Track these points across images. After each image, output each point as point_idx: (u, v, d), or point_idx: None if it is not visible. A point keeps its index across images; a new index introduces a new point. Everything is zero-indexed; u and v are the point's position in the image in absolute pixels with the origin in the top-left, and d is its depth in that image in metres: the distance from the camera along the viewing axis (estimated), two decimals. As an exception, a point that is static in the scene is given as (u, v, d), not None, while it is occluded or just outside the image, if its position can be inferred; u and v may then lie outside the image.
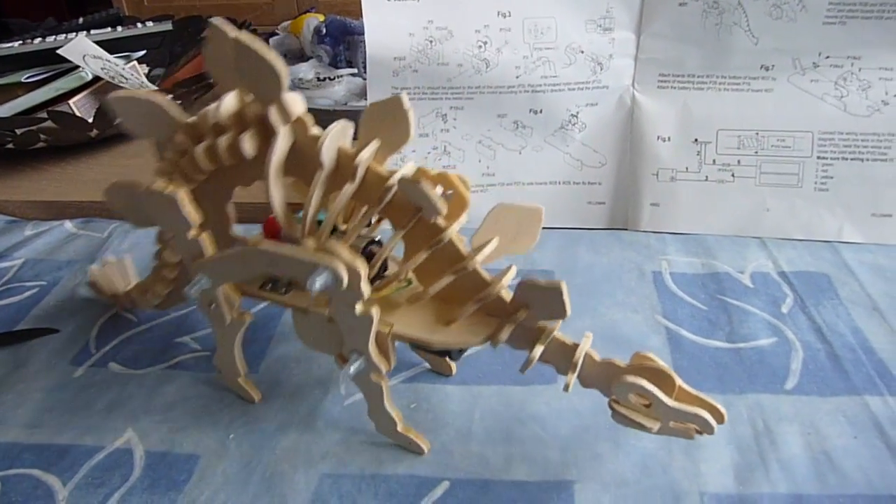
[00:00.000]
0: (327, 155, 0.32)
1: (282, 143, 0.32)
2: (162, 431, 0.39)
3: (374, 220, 0.36)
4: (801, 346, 0.44)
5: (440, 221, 0.32)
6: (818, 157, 0.55)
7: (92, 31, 0.88)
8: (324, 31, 0.83)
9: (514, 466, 0.36)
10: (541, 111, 0.56)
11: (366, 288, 0.31)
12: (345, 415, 0.40)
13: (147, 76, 0.86)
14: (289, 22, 0.93)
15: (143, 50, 0.89)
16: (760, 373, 0.42)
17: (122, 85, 0.76)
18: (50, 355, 0.45)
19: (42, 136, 0.70)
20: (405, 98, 0.32)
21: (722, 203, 0.56)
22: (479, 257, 0.33)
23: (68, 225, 0.62)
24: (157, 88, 0.77)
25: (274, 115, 0.31)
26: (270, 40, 0.90)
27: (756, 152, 0.56)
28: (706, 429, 0.32)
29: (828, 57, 0.55)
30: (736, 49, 0.55)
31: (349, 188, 0.32)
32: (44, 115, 0.69)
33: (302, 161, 0.33)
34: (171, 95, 0.75)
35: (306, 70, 0.84)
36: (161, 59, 0.92)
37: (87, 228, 0.61)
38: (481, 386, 0.41)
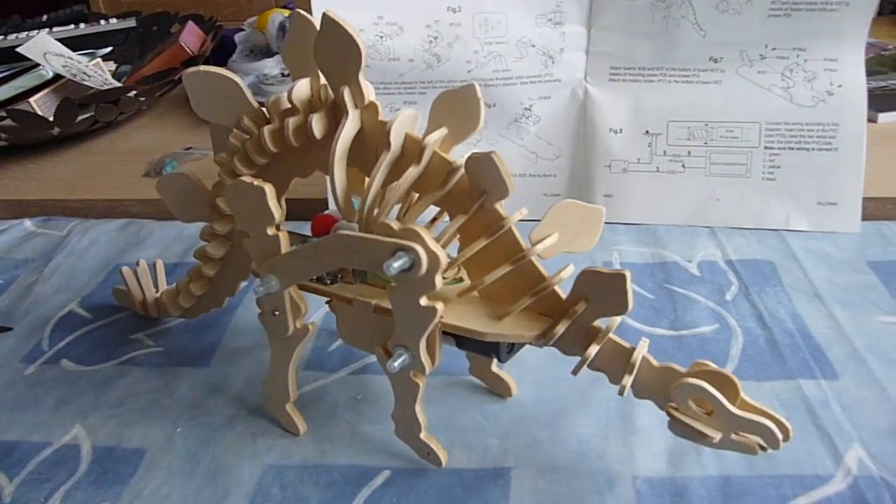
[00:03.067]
0: (395, 137, 0.31)
1: (351, 124, 0.32)
2: (110, 427, 0.40)
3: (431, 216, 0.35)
4: (741, 332, 0.45)
5: (500, 210, 0.31)
6: (766, 148, 0.56)
7: (55, 29, 0.88)
8: (288, 26, 0.84)
9: (452, 454, 0.37)
10: (494, 105, 0.57)
11: (439, 279, 0.30)
12: (292, 407, 0.40)
13: (114, 73, 0.87)
14: (255, 18, 0.93)
15: (107, 47, 0.89)
16: (700, 359, 0.43)
17: (84, 83, 0.76)
18: (1, 354, 0.46)
19: (2, 135, 0.70)
20: (477, 87, 0.31)
21: (673, 193, 0.57)
22: (540, 247, 0.31)
23: (27, 223, 0.62)
24: (120, 86, 0.78)
25: (347, 95, 0.31)
26: (236, 36, 0.90)
27: (706, 143, 0.57)
28: (772, 442, 0.30)
29: (774, 49, 0.56)
30: (684, 42, 0.56)
31: (413, 171, 0.32)
32: (3, 113, 0.69)
33: (366, 149, 0.33)
34: (134, 92, 0.75)
35: (271, 66, 0.85)
36: (128, 57, 0.92)
37: (46, 227, 0.61)
38: (428, 377, 0.42)
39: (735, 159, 0.57)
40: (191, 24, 0.89)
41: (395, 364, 0.32)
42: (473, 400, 0.40)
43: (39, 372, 0.44)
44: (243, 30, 0.93)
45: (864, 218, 0.57)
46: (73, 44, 0.83)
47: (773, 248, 0.54)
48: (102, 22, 0.93)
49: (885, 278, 0.50)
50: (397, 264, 0.29)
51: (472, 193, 0.31)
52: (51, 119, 0.70)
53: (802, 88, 0.56)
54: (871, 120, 0.73)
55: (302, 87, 0.33)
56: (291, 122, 0.33)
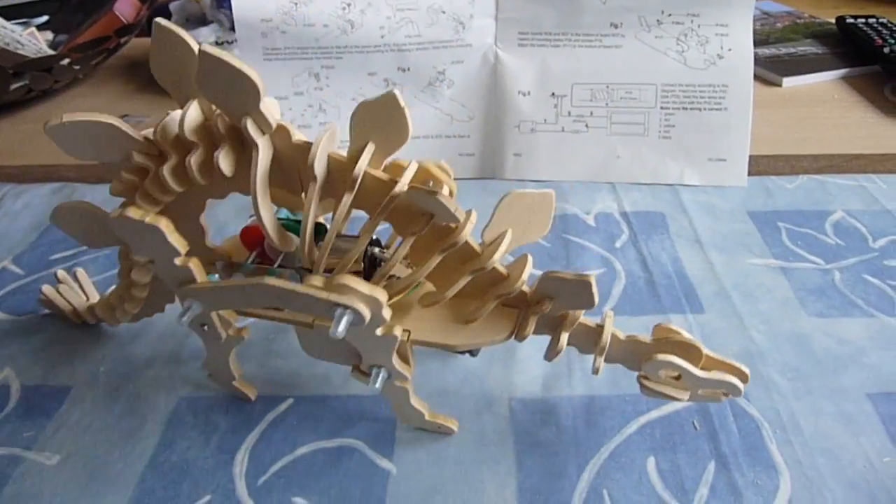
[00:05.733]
0: (319, 167, 0.29)
1: (264, 156, 0.29)
2: (38, 368, 0.43)
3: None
4: (625, 274, 0.50)
5: (451, 224, 0.31)
6: (661, 108, 0.60)
7: (-11, -2, 0.88)
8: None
9: (352, 383, 0.41)
10: (409, 69, 0.60)
11: (387, 313, 0.30)
12: (208, 347, 0.44)
13: (51, 43, 0.88)
14: (191, -14, 0.94)
15: (42, 16, 0.90)
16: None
17: (18, 52, 0.77)
18: (-64, 306, 0.48)
19: (-64, 103, 0.71)
20: (399, 95, 0.28)
21: (577, 152, 0.61)
22: (497, 255, 0.31)
23: (-38, 188, 0.64)
24: (53, 54, 0.79)
25: (252, 128, 0.28)
26: (171, 5, 0.91)
27: (607, 104, 0.61)
28: (734, 391, 0.33)
29: (670, 15, 0.60)
30: (587, 8, 0.59)
31: (347, 199, 0.30)
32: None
33: (285, 170, 0.31)
34: (68, 60, 0.77)
35: (207, 34, 0.86)
36: (66, 26, 0.92)
37: (-19, 191, 0.63)
38: (335, 318, 0.46)
39: (634, 119, 0.61)
40: (127, -8, 0.90)
41: (377, 385, 0.33)
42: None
43: (-29, 322, 0.47)
44: (180, -1, 0.94)
45: (757, 173, 0.62)
46: (6, 13, 0.84)
47: (665, 200, 0.58)
48: (38, -9, 0.93)
49: (761, 226, 0.55)
50: (341, 327, 0.28)
51: (414, 211, 0.30)
52: (-15, 87, 0.71)
53: (695, 52, 0.60)
54: (776, 84, 0.78)
55: (193, 117, 0.29)
56: (193, 161, 0.29)
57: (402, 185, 0.29)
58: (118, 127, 0.30)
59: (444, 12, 0.59)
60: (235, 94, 0.27)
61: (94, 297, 0.46)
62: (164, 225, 0.30)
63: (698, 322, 0.45)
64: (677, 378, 0.34)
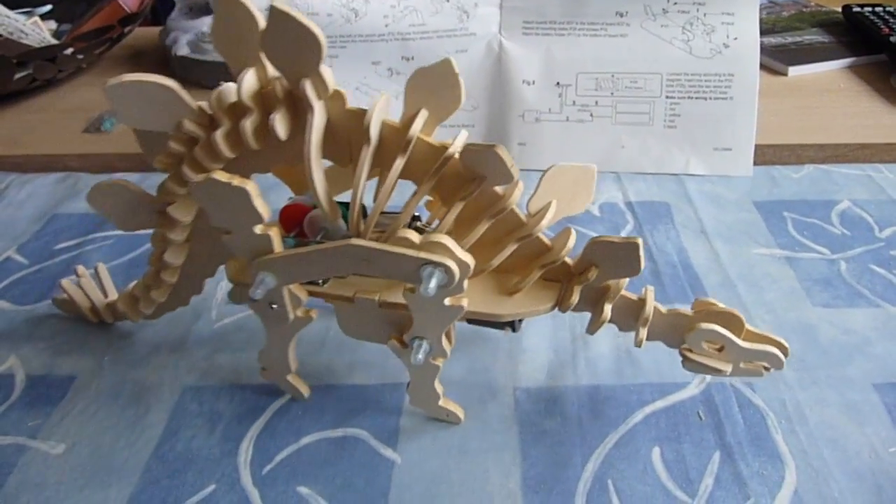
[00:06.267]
0: (374, 130, 0.30)
1: (318, 119, 0.29)
2: (43, 357, 0.43)
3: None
4: (629, 264, 0.49)
5: (498, 190, 0.31)
6: (667, 97, 0.60)
7: (-9, -13, 0.88)
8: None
9: (356, 372, 0.41)
10: (412, 58, 0.60)
11: (466, 283, 0.29)
12: (213, 336, 0.44)
13: (55, 32, 0.87)
14: (194, -25, 0.93)
15: (46, 5, 0.89)
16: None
17: (22, 41, 0.77)
18: (-59, 296, 0.48)
19: (-61, 93, 0.71)
20: (454, 62, 0.30)
21: (581, 141, 0.61)
22: (544, 222, 0.31)
23: (-33, 178, 0.64)
24: (57, 43, 0.79)
25: (310, 89, 0.28)
26: (175, -6, 0.91)
27: (612, 93, 0.60)
28: (776, 364, 0.33)
29: (676, 3, 0.59)
30: (592, -3, 0.59)
31: (399, 162, 0.30)
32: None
33: (336, 140, 0.31)
34: (71, 49, 0.77)
35: (210, 23, 0.86)
36: (70, 15, 0.92)
37: (-15, 180, 0.63)
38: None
39: (639, 108, 0.60)
40: (130, -19, 0.90)
41: (420, 357, 0.32)
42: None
43: (-24, 311, 0.47)
44: (183, -12, 0.93)
45: (763, 162, 0.62)
46: (9, 2, 0.83)
47: (670, 190, 0.58)
48: (41, -20, 0.93)
49: (766, 216, 0.54)
50: (434, 284, 0.28)
51: (468, 178, 0.30)
52: (-12, 77, 0.71)
53: (701, 41, 0.59)
54: (782, 73, 0.77)
55: (250, 82, 0.29)
56: (248, 124, 0.29)
57: (456, 147, 0.30)
58: (175, 90, 0.30)
59: (448, 1, 0.59)
60: (299, 52, 0.27)
61: (113, 295, 0.45)
62: (252, 188, 0.29)
63: (703, 312, 0.45)
64: (720, 350, 0.33)
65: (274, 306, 0.34)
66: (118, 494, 0.35)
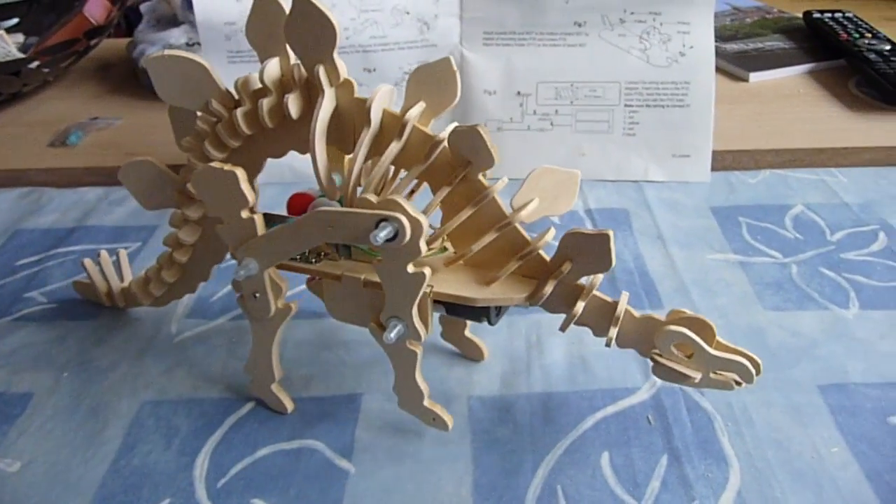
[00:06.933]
0: (375, 114, 0.32)
1: (328, 102, 0.32)
2: (1, 374, 0.43)
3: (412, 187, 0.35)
4: (586, 272, 0.50)
5: (482, 180, 0.32)
6: (625, 105, 0.61)
7: (-43, 1, 0.88)
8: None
9: (312, 384, 0.41)
10: (374, 70, 0.60)
11: (423, 244, 0.31)
12: (172, 350, 0.44)
13: (21, 45, 0.87)
14: (162, -13, 0.93)
15: (12, 19, 0.89)
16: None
17: (-14, 55, 0.77)
18: None
19: None
20: (452, 61, 0.32)
21: (543, 150, 0.62)
22: (524, 213, 0.33)
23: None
24: (22, 56, 0.79)
25: (322, 74, 0.32)
26: (142, 6, 0.91)
27: (571, 102, 0.61)
28: (746, 377, 0.33)
29: (632, 13, 0.60)
30: (550, 7, 0.60)
31: (395, 146, 0.32)
32: None
33: (343, 127, 0.33)
34: (37, 63, 0.76)
35: (178, 35, 0.86)
36: (37, 28, 0.92)
37: (-52, 196, 0.63)
38: (298, 320, 0.46)
39: (598, 117, 0.61)
40: (97, -6, 0.90)
41: (392, 336, 0.33)
42: (339, 339, 0.45)
43: (-65, 329, 0.47)
44: (151, -1, 0.94)
45: (722, 168, 0.63)
46: (-25, 16, 0.83)
47: (629, 197, 0.59)
48: (7, -7, 0.92)
49: (721, 221, 0.55)
50: (383, 234, 0.30)
51: (455, 165, 0.32)
52: (-48, 91, 0.71)
53: (658, 50, 0.61)
54: (743, 79, 0.79)
55: (272, 67, 0.33)
56: (266, 102, 0.33)
57: (447, 133, 0.32)
58: (208, 70, 0.34)
59: (408, 13, 0.59)
60: (316, 39, 0.31)
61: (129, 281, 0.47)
62: (240, 173, 0.32)
63: (657, 318, 0.46)
64: (689, 357, 0.34)
65: (257, 295, 0.36)
66: (73, 511, 0.35)
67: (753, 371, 0.33)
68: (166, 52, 0.34)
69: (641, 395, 0.40)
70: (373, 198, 0.31)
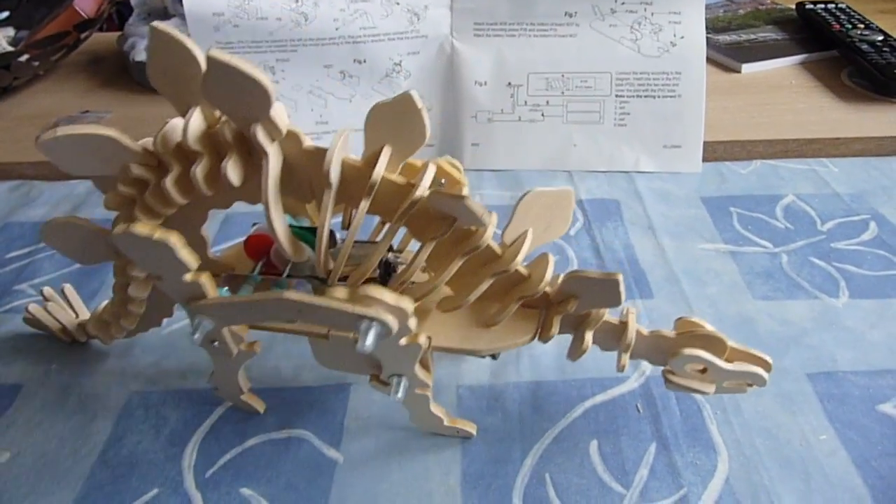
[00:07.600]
0: (335, 174, 0.28)
1: (275, 164, 0.28)
2: (-11, 367, 0.43)
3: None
4: (577, 262, 0.50)
5: (471, 227, 0.30)
6: (616, 96, 0.61)
7: (-55, -6, 0.87)
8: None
9: (302, 375, 0.41)
10: (365, 61, 0.60)
11: (413, 323, 0.29)
12: (161, 342, 0.44)
13: (12, 39, 0.87)
14: (154, -20, 0.93)
15: (4, 11, 0.89)
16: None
17: (-25, 48, 0.76)
18: None
19: None
20: (416, 96, 0.28)
21: (534, 141, 0.62)
22: (519, 257, 0.30)
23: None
24: (11, 50, 0.78)
25: (261, 135, 0.27)
26: (133, 0, 0.90)
27: (562, 93, 0.61)
28: (758, 382, 0.33)
29: (623, 3, 0.60)
30: (541, -2, 0.60)
31: (364, 205, 0.29)
32: None
33: (295, 177, 0.29)
34: (27, 56, 0.76)
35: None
36: (28, 22, 0.92)
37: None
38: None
39: (589, 107, 0.61)
40: (88, -13, 0.90)
41: (399, 395, 0.32)
42: (328, 329, 0.45)
43: (-77, 321, 0.47)
44: (143, -8, 0.93)
45: (713, 159, 0.63)
46: (-36, 9, 0.83)
47: (620, 188, 0.59)
48: (-3, -14, 0.92)
49: (712, 211, 0.55)
50: (370, 342, 0.27)
51: (433, 215, 0.30)
52: (-59, 85, 0.71)
53: (649, 40, 0.60)
54: (735, 70, 0.79)
55: (196, 125, 0.27)
56: (199, 171, 0.28)
57: (423, 189, 0.28)
58: (116, 139, 0.28)
59: (398, 3, 0.59)
60: (244, 100, 0.26)
61: (84, 314, 0.44)
62: (175, 240, 0.28)
63: (647, 307, 0.46)
64: (703, 371, 0.33)
65: (215, 344, 0.34)
66: (61, 501, 0.35)
67: (766, 376, 0.33)
68: (59, 132, 0.27)
69: (630, 383, 0.40)
70: (341, 293, 0.28)
